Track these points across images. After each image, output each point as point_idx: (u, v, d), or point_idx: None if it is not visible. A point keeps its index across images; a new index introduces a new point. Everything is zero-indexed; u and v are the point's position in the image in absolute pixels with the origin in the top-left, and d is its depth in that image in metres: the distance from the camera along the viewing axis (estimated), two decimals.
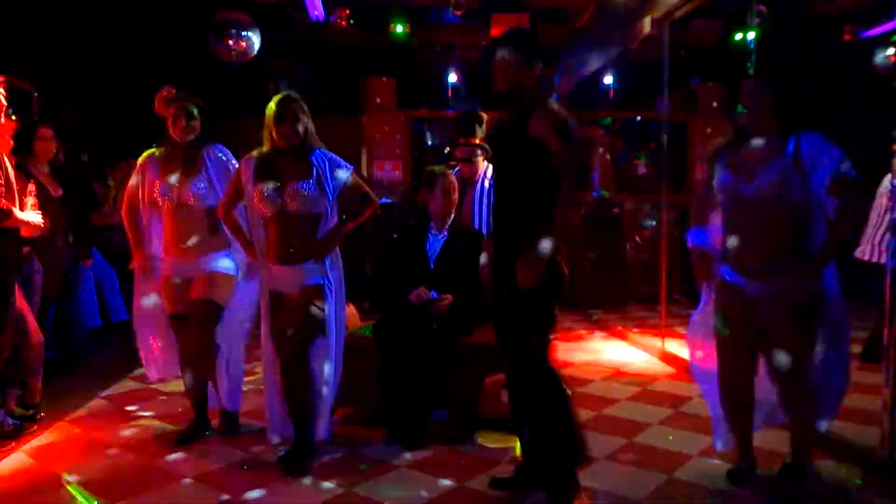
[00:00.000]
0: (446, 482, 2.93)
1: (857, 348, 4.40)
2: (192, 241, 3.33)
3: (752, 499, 2.79)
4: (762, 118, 2.73)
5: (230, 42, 6.15)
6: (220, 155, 3.42)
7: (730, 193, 2.77)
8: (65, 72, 6.92)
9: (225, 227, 3.30)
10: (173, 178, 3.31)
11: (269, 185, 3.04)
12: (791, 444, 2.90)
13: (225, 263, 3.40)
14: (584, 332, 6.17)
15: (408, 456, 3.21)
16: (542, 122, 2.55)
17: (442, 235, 3.72)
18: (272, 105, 3.05)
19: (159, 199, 3.33)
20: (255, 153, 3.13)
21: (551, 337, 2.66)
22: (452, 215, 3.76)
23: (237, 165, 3.22)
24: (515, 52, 2.65)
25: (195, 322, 3.32)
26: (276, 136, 3.05)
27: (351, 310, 3.85)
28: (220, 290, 3.36)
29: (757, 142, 2.74)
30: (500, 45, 2.70)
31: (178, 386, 4.37)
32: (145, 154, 3.46)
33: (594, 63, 7.81)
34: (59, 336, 4.52)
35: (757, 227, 2.71)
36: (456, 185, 3.75)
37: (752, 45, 4.64)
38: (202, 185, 3.32)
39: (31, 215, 3.47)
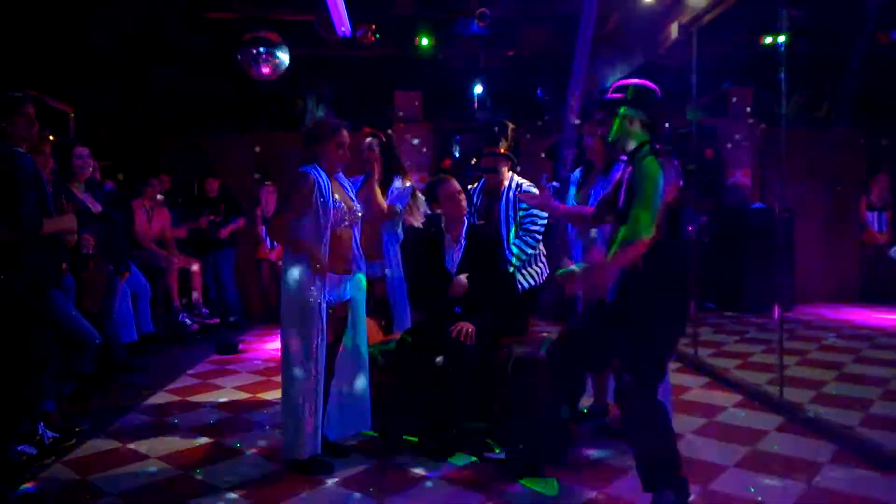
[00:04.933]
0: (477, 494, 2.93)
1: None
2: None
3: None
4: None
5: (260, 61, 6.28)
6: None
7: None
8: (100, 92, 7.11)
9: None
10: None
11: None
12: None
13: None
14: None
15: (438, 468, 3.21)
16: None
17: (459, 245, 3.70)
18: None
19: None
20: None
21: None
22: (466, 222, 3.75)
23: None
24: None
25: None
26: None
27: (371, 326, 3.86)
28: None
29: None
30: None
31: (212, 397, 4.46)
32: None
33: (621, 70, 7.76)
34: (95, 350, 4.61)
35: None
36: (458, 188, 3.73)
37: (782, 49, 4.58)
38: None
39: (62, 220, 3.38)
